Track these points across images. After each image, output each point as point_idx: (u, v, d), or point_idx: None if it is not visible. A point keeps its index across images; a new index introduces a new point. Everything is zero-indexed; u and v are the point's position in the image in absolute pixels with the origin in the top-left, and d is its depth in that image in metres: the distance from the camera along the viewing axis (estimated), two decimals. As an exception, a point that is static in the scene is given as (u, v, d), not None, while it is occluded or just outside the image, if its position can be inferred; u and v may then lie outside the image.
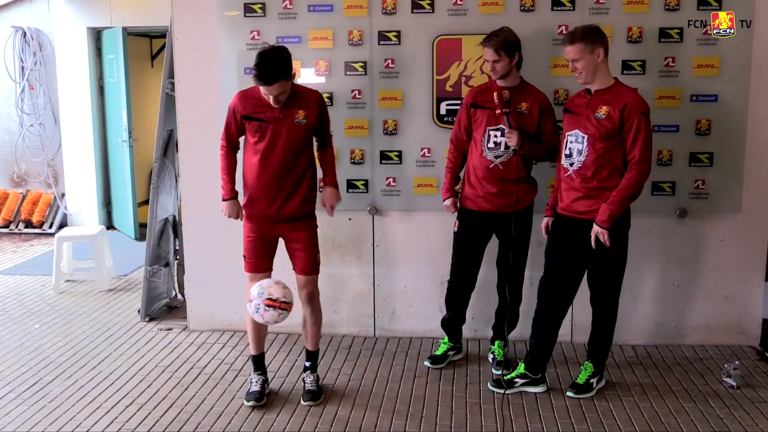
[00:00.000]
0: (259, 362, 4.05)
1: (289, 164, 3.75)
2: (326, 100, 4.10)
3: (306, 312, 3.99)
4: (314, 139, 3.94)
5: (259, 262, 3.89)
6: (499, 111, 3.97)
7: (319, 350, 4.11)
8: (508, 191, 4.06)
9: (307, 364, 4.05)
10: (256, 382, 4.00)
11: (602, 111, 3.69)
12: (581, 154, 3.76)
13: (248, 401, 3.91)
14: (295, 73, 3.68)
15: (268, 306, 3.60)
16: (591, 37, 3.67)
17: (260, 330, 3.99)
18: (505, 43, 3.93)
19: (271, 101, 3.64)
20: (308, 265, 3.90)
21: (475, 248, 4.26)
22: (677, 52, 4.35)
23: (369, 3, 4.48)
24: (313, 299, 3.97)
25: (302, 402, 3.91)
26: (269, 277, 3.89)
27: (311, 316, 4.00)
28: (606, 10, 4.35)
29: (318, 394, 3.97)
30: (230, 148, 3.88)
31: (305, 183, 3.82)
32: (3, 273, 6.69)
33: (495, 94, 3.99)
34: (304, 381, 4.03)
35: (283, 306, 3.63)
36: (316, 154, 3.98)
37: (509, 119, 3.97)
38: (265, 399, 3.95)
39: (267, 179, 3.76)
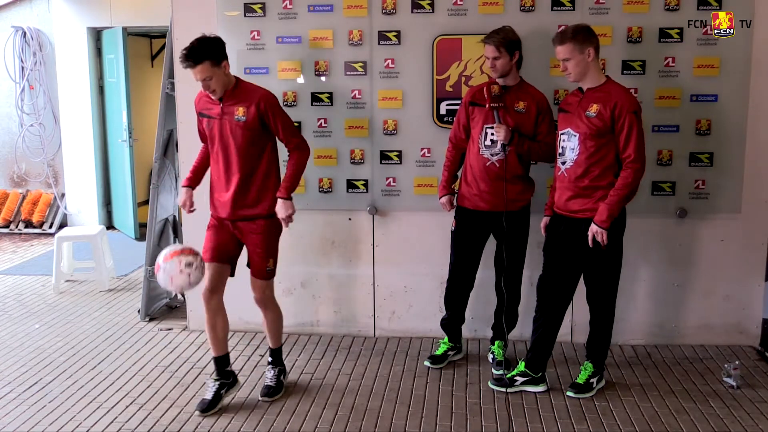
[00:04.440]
0: (218, 364, 3.93)
1: (235, 161, 3.78)
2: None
3: (263, 314, 4.02)
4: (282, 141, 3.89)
5: (213, 251, 3.85)
6: (488, 105, 3.99)
7: (281, 348, 4.13)
8: (502, 189, 4.06)
9: (270, 359, 4.11)
10: (211, 387, 3.90)
11: (593, 109, 3.71)
12: (573, 152, 3.78)
13: (196, 409, 3.81)
14: (225, 64, 3.67)
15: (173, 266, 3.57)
16: (581, 36, 3.69)
17: (216, 329, 3.89)
18: (506, 40, 3.94)
19: (202, 87, 3.73)
20: (256, 268, 3.88)
21: (473, 247, 4.26)
22: (677, 52, 4.35)
23: (369, 3, 4.48)
24: (263, 304, 3.96)
25: (259, 397, 3.97)
26: (226, 268, 3.89)
27: (265, 318, 4.02)
28: (606, 10, 4.35)
29: (275, 391, 3.99)
30: (203, 142, 4.01)
31: (256, 183, 3.80)
32: (3, 273, 6.69)
33: (485, 88, 4.01)
34: (265, 375, 4.09)
35: (186, 256, 3.60)
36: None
37: (498, 114, 3.98)
38: (215, 408, 3.81)
39: (218, 174, 3.84)
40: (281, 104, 3.94)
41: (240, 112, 3.73)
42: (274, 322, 4.03)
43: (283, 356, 4.19)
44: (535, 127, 4.06)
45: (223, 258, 3.87)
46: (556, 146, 3.92)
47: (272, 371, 4.07)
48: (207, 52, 3.60)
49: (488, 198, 4.11)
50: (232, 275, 3.95)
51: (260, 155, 3.80)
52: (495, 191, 4.09)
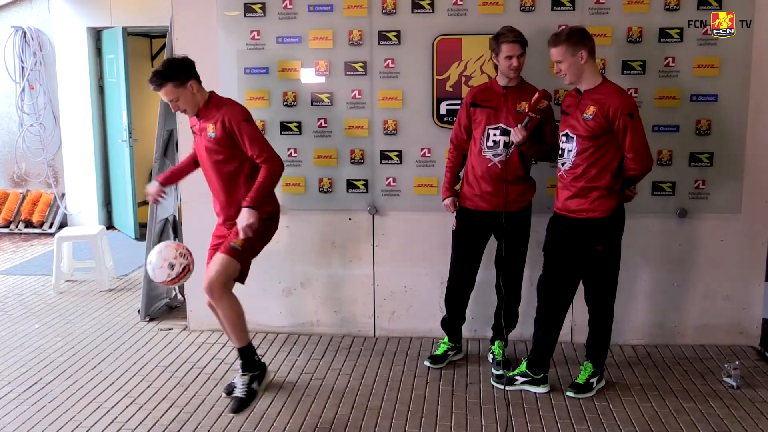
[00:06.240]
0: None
1: (216, 174, 3.84)
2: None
3: (214, 306, 3.92)
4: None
5: None
6: (526, 110, 3.94)
7: (249, 347, 3.92)
8: (504, 190, 4.06)
9: (239, 362, 3.96)
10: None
11: (590, 111, 3.71)
12: (571, 153, 3.80)
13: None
14: (192, 84, 3.70)
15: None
16: (574, 39, 3.69)
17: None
18: (525, 39, 3.97)
19: (171, 109, 3.81)
20: (213, 259, 3.85)
21: (474, 247, 4.26)
22: (677, 52, 4.35)
23: (369, 3, 4.48)
24: (210, 290, 3.78)
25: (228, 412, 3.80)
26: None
27: (218, 312, 3.90)
28: (606, 10, 4.35)
29: (244, 403, 3.81)
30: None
31: (239, 195, 3.80)
32: (3, 273, 6.69)
33: (535, 97, 3.88)
34: (234, 384, 3.94)
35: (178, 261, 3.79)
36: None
37: (529, 122, 3.91)
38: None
39: (209, 185, 3.94)
40: (252, 117, 3.85)
41: (210, 129, 3.75)
42: (225, 314, 3.82)
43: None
44: (537, 127, 4.05)
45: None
46: (558, 147, 3.92)
47: (242, 379, 3.88)
48: (170, 74, 3.64)
49: (490, 198, 4.11)
50: (242, 282, 3.91)
51: (239, 167, 3.80)
52: (497, 192, 4.08)
